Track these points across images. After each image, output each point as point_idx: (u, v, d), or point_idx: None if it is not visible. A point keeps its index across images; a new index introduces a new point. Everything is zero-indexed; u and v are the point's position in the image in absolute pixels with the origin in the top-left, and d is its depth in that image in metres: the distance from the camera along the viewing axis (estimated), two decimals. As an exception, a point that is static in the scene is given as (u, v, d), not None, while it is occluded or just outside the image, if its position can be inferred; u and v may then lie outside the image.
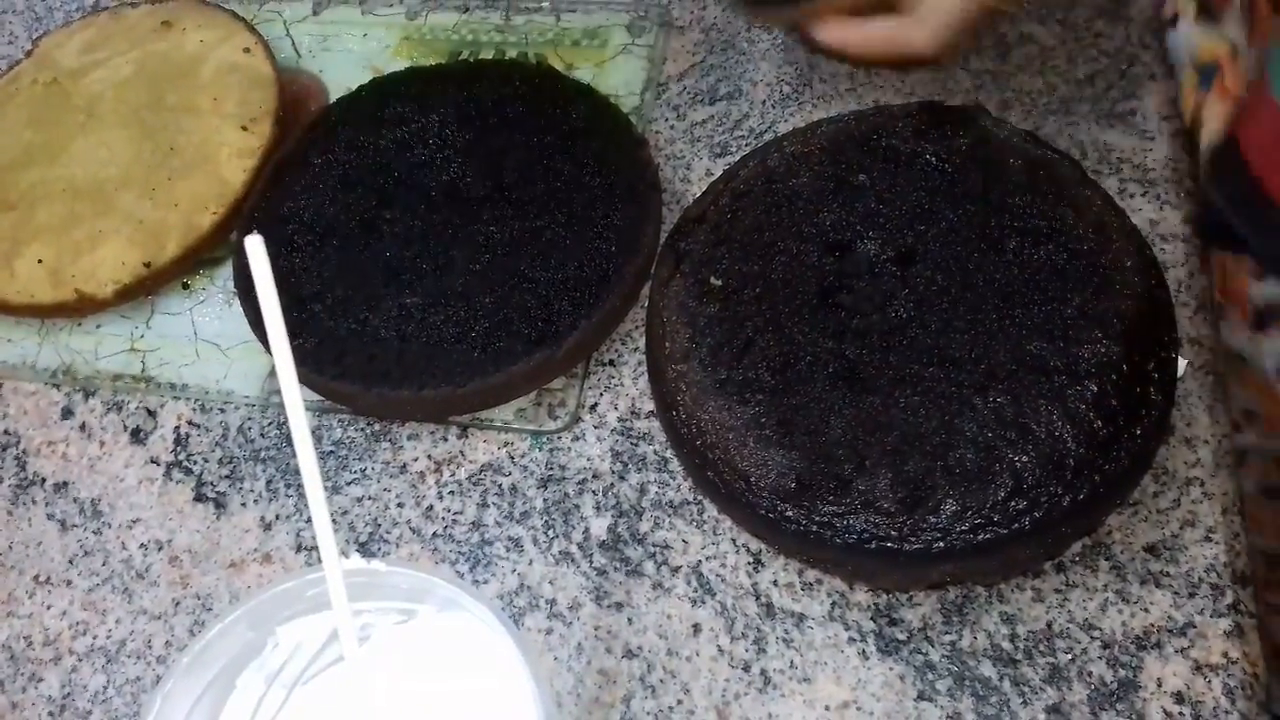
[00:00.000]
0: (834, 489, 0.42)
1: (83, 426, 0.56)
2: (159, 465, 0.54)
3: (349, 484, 0.51)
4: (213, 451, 0.54)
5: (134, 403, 0.56)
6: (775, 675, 0.44)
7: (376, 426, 0.53)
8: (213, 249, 0.59)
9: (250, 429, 0.54)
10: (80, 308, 0.57)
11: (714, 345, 0.46)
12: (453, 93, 0.58)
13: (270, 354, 0.32)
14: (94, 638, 0.49)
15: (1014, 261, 0.45)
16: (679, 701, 0.44)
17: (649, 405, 0.50)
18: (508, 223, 0.53)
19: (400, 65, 0.63)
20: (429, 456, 0.51)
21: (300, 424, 0.32)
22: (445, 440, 0.52)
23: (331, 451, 0.52)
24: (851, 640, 0.44)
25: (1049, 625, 0.43)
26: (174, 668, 0.34)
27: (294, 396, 0.32)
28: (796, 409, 0.43)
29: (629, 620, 0.46)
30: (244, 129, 0.60)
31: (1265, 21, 0.46)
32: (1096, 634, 0.43)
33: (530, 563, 0.48)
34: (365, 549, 0.49)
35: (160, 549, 0.51)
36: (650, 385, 0.48)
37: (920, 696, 0.43)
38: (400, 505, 0.50)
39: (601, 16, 0.64)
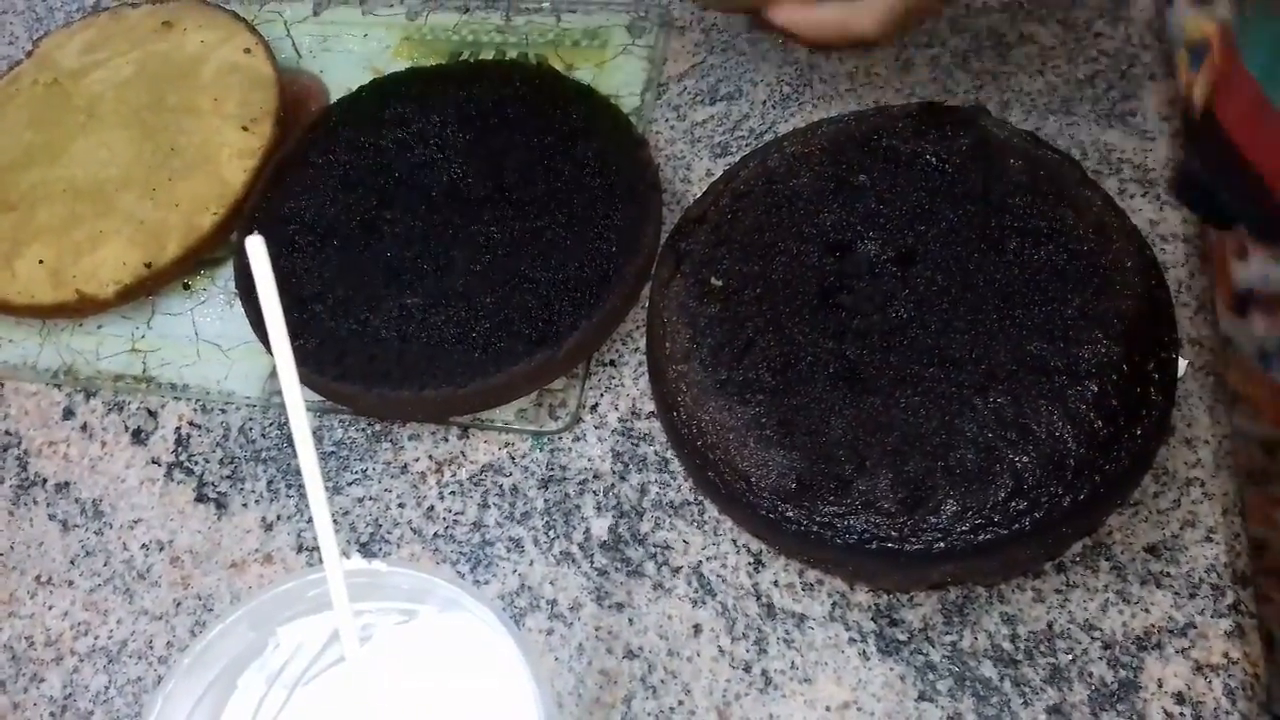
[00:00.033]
0: (834, 489, 0.42)
1: (84, 427, 0.56)
2: (160, 466, 0.54)
3: (350, 484, 0.51)
4: (214, 452, 0.54)
5: (135, 403, 0.56)
6: (776, 676, 0.44)
7: (377, 427, 0.53)
8: (213, 249, 0.59)
9: (251, 429, 0.54)
10: (81, 308, 0.57)
11: (714, 345, 0.46)
12: (453, 93, 0.58)
13: (271, 354, 0.32)
14: (95, 638, 0.50)
15: (1014, 262, 0.45)
16: (680, 702, 0.44)
17: (650, 406, 0.50)
18: (508, 223, 0.53)
19: (401, 66, 0.63)
20: (430, 457, 0.51)
21: (301, 424, 0.32)
22: (446, 441, 0.52)
23: (332, 452, 0.52)
24: (852, 641, 0.44)
25: (1049, 626, 0.43)
26: (175, 668, 0.34)
27: (295, 397, 0.32)
28: (797, 409, 0.43)
29: (630, 621, 0.46)
30: (245, 129, 0.60)
31: None
32: (1097, 634, 0.43)
33: (531, 563, 0.48)
34: (366, 549, 0.49)
35: (161, 549, 0.51)
36: (651, 385, 0.48)
37: (921, 697, 0.43)
38: (401, 506, 0.50)
39: (602, 17, 0.64)
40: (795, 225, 0.48)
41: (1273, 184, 0.46)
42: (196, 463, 0.53)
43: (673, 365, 0.46)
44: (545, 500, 0.49)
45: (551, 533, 0.48)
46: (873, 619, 0.44)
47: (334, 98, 0.63)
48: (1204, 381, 0.47)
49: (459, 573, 0.48)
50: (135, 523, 0.52)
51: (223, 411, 0.55)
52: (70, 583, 0.51)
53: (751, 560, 0.46)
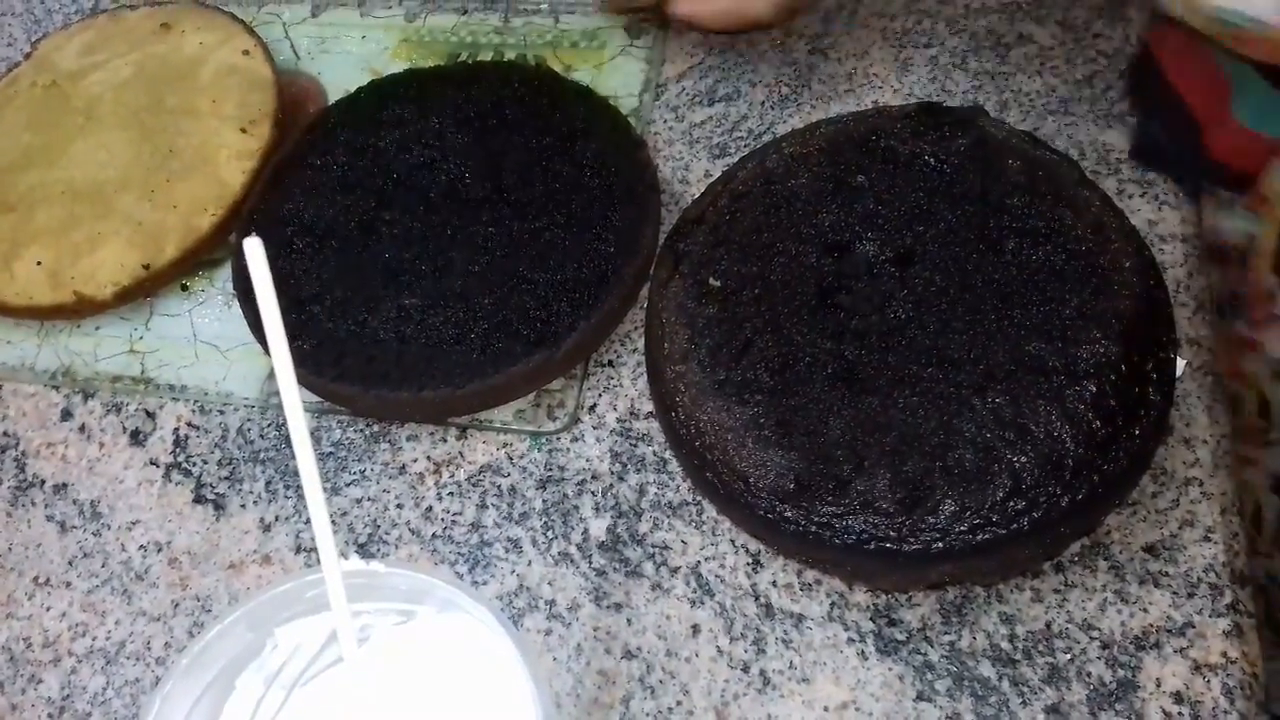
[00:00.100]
0: (833, 490, 0.42)
1: (82, 428, 0.56)
2: (158, 467, 0.54)
3: (348, 485, 0.51)
4: (212, 453, 0.54)
5: (133, 404, 0.56)
6: (774, 676, 0.44)
7: (375, 428, 0.53)
8: (212, 251, 0.59)
9: (249, 430, 0.54)
10: (79, 309, 0.57)
11: (713, 346, 0.46)
12: (451, 94, 0.58)
13: (269, 355, 0.32)
14: (93, 639, 0.50)
15: (1013, 262, 0.45)
16: (678, 702, 0.44)
17: (648, 406, 0.50)
18: (507, 224, 0.53)
19: (399, 67, 0.63)
20: (428, 458, 0.51)
21: (299, 425, 0.32)
22: (444, 441, 0.52)
23: (330, 453, 0.52)
24: (850, 641, 0.44)
25: (1048, 625, 0.43)
26: (173, 669, 0.34)
27: (293, 398, 0.32)
28: (795, 410, 0.43)
29: (628, 621, 0.46)
30: (243, 131, 0.60)
31: None
32: (1095, 634, 0.43)
33: (529, 564, 0.48)
34: (364, 550, 0.49)
35: (159, 550, 0.51)
36: (649, 386, 0.48)
37: (919, 697, 0.43)
38: (399, 506, 0.50)
39: (600, 18, 0.64)
40: (794, 226, 0.48)
41: (1202, 117, 0.49)
42: (195, 464, 0.53)
43: (671, 366, 0.46)
44: (543, 501, 0.49)
45: (550, 533, 0.48)
46: (871, 619, 0.44)
47: (332, 99, 0.63)
48: (1202, 381, 0.47)
49: (457, 573, 0.48)
50: (133, 524, 0.52)
51: (221, 412, 0.55)
52: (68, 584, 0.51)
53: (750, 560, 0.46)
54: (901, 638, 0.44)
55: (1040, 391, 0.42)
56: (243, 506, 0.52)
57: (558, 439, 0.51)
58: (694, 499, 0.48)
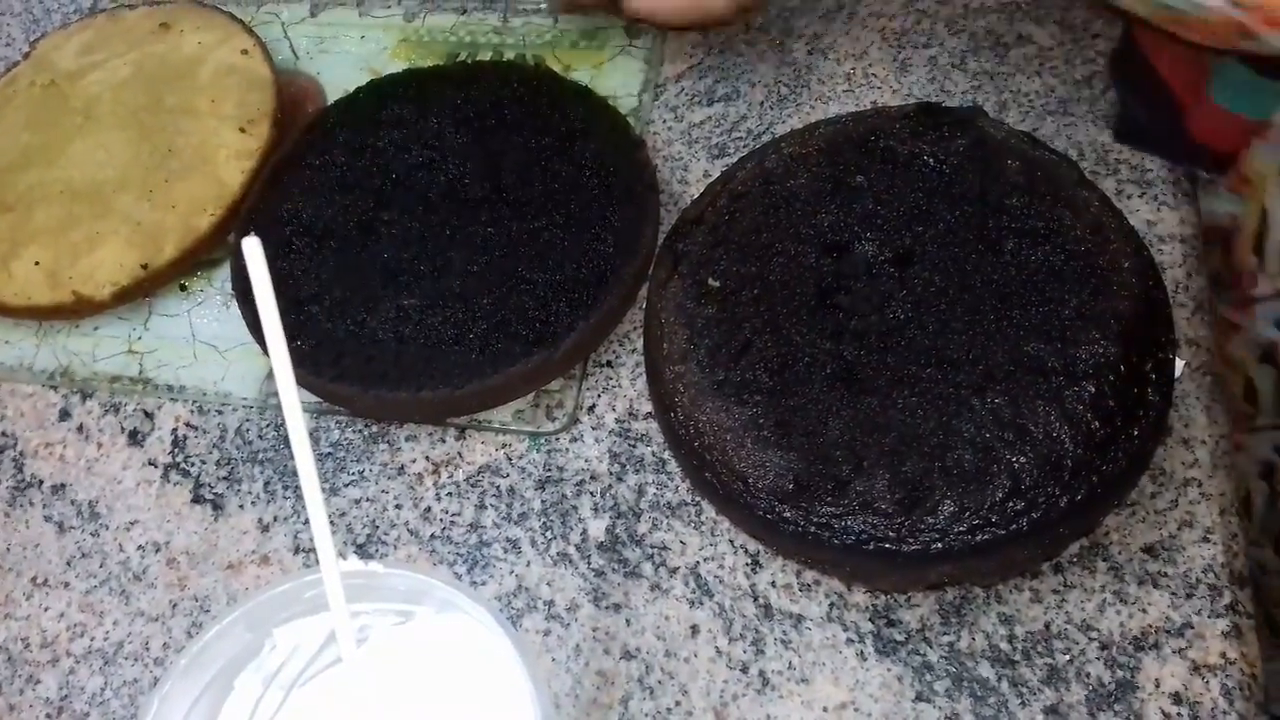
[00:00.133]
0: (832, 490, 0.42)
1: (80, 428, 0.56)
2: (157, 467, 0.54)
3: (347, 485, 0.51)
4: (210, 453, 0.54)
5: (131, 404, 0.56)
6: (773, 676, 0.44)
7: (374, 428, 0.53)
8: (210, 251, 0.59)
9: (248, 431, 0.54)
10: (78, 309, 0.57)
11: (712, 346, 0.46)
12: (450, 94, 0.58)
13: (268, 356, 0.32)
14: (91, 639, 0.49)
15: (1012, 262, 0.45)
16: (677, 703, 0.44)
17: (647, 406, 0.50)
18: (506, 224, 0.53)
19: (398, 67, 0.63)
20: (427, 458, 0.51)
21: (298, 426, 0.32)
22: (443, 442, 0.52)
23: (329, 453, 0.52)
24: (850, 641, 0.44)
25: (1047, 626, 0.43)
26: (171, 669, 0.34)
27: (292, 398, 0.32)
28: (794, 410, 0.43)
29: (627, 621, 0.46)
30: (242, 131, 0.60)
31: None
32: (1094, 635, 0.43)
33: (528, 564, 0.48)
34: (363, 550, 0.49)
35: (158, 551, 0.51)
36: (648, 386, 0.48)
37: (918, 697, 0.43)
38: (398, 507, 0.50)
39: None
40: (793, 226, 0.48)
41: (1182, 98, 0.49)
42: (193, 464, 0.53)
43: (670, 366, 0.46)
44: (542, 501, 0.49)
45: (549, 534, 0.48)
46: (870, 619, 0.44)
47: (331, 99, 0.63)
48: (1201, 382, 0.47)
49: (456, 574, 0.48)
50: (132, 524, 0.52)
51: (219, 413, 0.55)
52: (66, 584, 0.51)
53: (749, 561, 0.46)
54: (900, 638, 0.44)
55: (1039, 392, 0.42)
56: (241, 507, 0.52)
57: (556, 439, 0.51)
58: (693, 499, 0.48)
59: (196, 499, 0.52)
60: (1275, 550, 0.59)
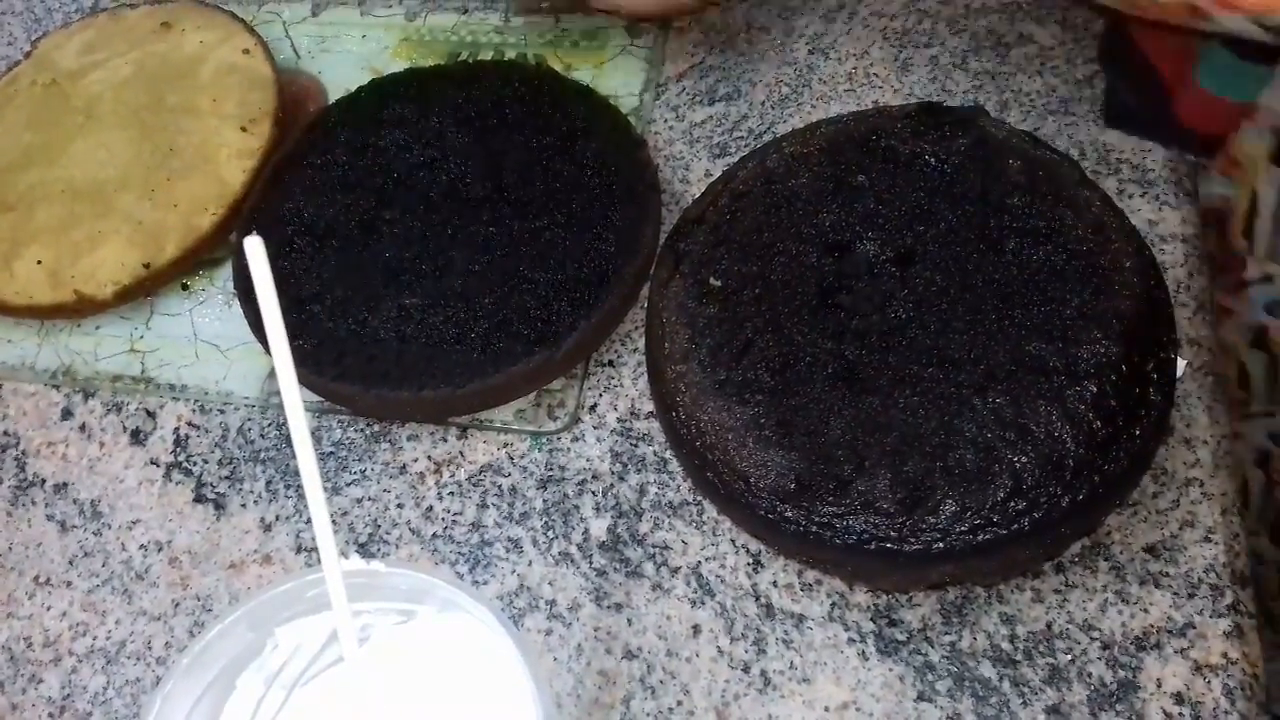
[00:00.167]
0: (833, 490, 0.42)
1: (82, 427, 0.56)
2: (159, 466, 0.54)
3: (348, 485, 0.51)
4: (212, 452, 0.54)
5: (134, 404, 0.56)
6: (775, 676, 0.44)
7: (376, 427, 0.53)
8: (212, 250, 0.59)
9: (250, 430, 0.54)
10: (79, 309, 0.57)
11: (713, 346, 0.46)
12: (452, 94, 0.58)
13: (270, 355, 0.32)
14: (94, 639, 0.49)
15: (1013, 262, 0.45)
16: (679, 703, 0.44)
17: (648, 406, 0.50)
18: (507, 223, 0.53)
19: (399, 66, 0.63)
20: (429, 457, 0.51)
21: (300, 425, 0.32)
22: (445, 441, 0.52)
23: (331, 452, 0.52)
24: (851, 641, 0.44)
25: (1048, 626, 0.43)
26: (173, 669, 0.34)
27: (293, 397, 0.32)
28: (796, 410, 0.43)
29: (629, 621, 0.46)
30: (243, 130, 0.60)
31: None
32: (1096, 635, 0.43)
33: (530, 564, 0.48)
34: (365, 550, 0.49)
35: (160, 550, 0.51)
36: (650, 386, 0.48)
37: (920, 697, 0.43)
38: (400, 506, 0.50)
39: (600, 17, 0.64)
40: (794, 226, 0.48)
41: (1169, 83, 0.50)
42: (195, 463, 0.53)
43: (671, 365, 0.46)
44: (544, 500, 0.49)
45: (550, 533, 0.48)
46: (872, 619, 0.44)
47: (332, 98, 0.63)
48: (1203, 382, 0.47)
49: (458, 573, 0.48)
50: (134, 523, 0.52)
51: (221, 412, 0.55)
52: (69, 583, 0.51)
53: (750, 560, 0.46)
54: (902, 638, 0.44)
55: (1041, 392, 0.42)
56: (243, 506, 0.52)
57: (558, 439, 0.51)
58: (694, 499, 0.48)
59: (198, 498, 0.52)
60: (1271, 539, 0.59)
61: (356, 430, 0.53)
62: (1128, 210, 0.47)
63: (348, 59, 0.66)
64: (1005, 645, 0.43)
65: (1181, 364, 0.45)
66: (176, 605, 0.50)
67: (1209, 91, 0.50)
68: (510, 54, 0.64)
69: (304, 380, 0.50)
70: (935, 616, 0.44)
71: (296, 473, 0.47)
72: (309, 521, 0.50)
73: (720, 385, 0.45)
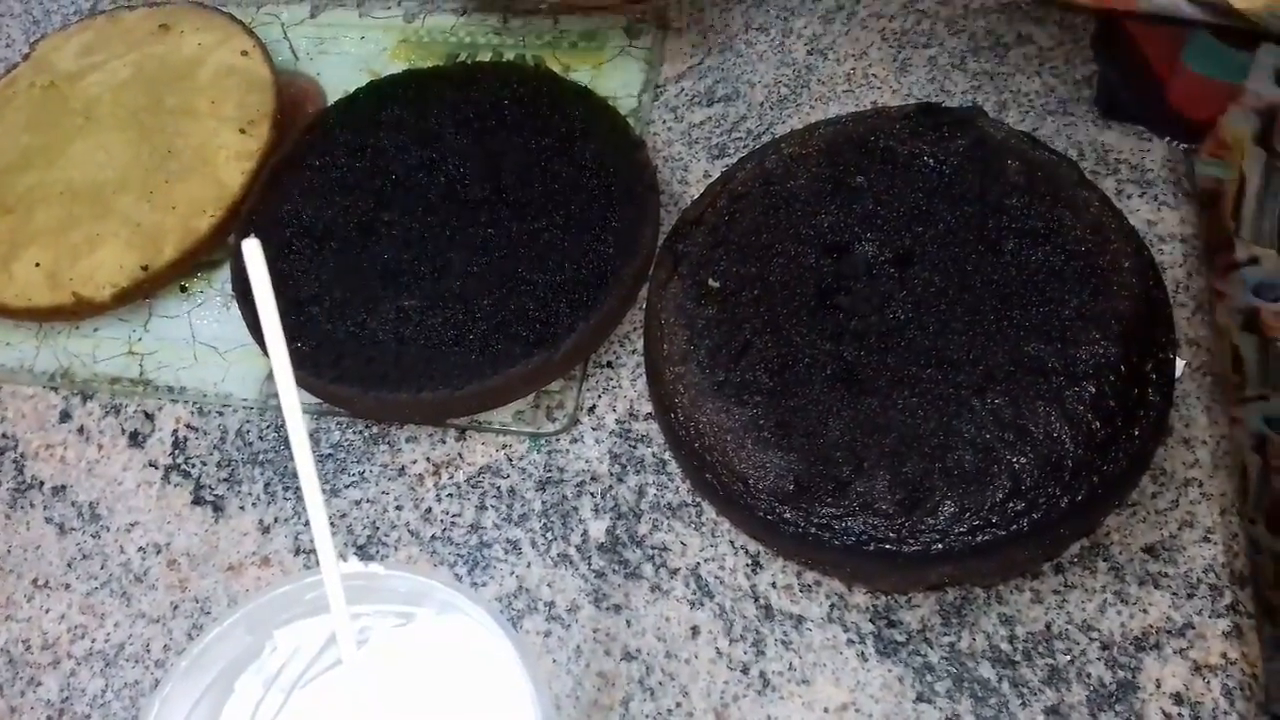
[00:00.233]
0: (832, 491, 0.42)
1: (81, 430, 0.56)
2: (157, 468, 0.54)
3: (347, 487, 0.51)
4: (211, 454, 0.54)
5: (132, 406, 0.56)
6: (774, 677, 0.44)
7: (374, 429, 0.53)
8: (210, 252, 0.59)
9: (248, 432, 0.54)
10: (78, 311, 0.57)
11: (712, 347, 0.46)
12: (450, 95, 0.58)
13: (268, 357, 0.32)
14: (92, 641, 0.49)
15: (1012, 263, 0.45)
16: (678, 704, 0.44)
17: (647, 407, 0.50)
18: (506, 225, 0.53)
19: (398, 68, 0.63)
20: (427, 459, 0.51)
21: (298, 427, 0.32)
22: (443, 443, 0.52)
23: (329, 454, 0.52)
24: (850, 642, 0.44)
25: (1048, 626, 0.43)
26: (172, 671, 0.34)
27: (292, 400, 0.32)
28: (794, 411, 0.43)
29: (627, 623, 0.46)
30: (242, 132, 0.60)
31: None
32: (1095, 635, 0.43)
33: (528, 565, 0.48)
34: (363, 552, 0.49)
35: (159, 552, 0.51)
36: (648, 387, 0.48)
37: (919, 698, 0.42)
38: (398, 508, 0.50)
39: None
40: (793, 226, 0.48)
41: (1160, 70, 0.50)
42: (194, 465, 0.53)
43: (670, 367, 0.46)
44: (543, 502, 0.49)
45: (549, 535, 0.48)
46: (871, 620, 0.44)
47: (331, 100, 0.63)
48: (1201, 382, 0.47)
49: (456, 575, 0.48)
50: (132, 525, 0.52)
51: (220, 414, 0.55)
52: (67, 586, 0.51)
53: (749, 562, 0.46)
54: (901, 639, 0.44)
55: (1040, 392, 0.42)
56: (241, 508, 0.52)
57: (557, 440, 0.51)
58: (693, 500, 0.48)
59: (197, 500, 0.52)
60: (1268, 527, 0.59)
61: (355, 432, 0.53)
62: (1126, 210, 0.47)
63: (346, 60, 0.66)
64: (1004, 646, 0.43)
65: (1180, 364, 0.45)
66: (175, 608, 0.50)
67: (1200, 74, 0.51)
68: (508, 55, 0.64)
69: (302, 382, 0.50)
70: (934, 617, 0.44)
71: (295, 475, 0.47)
72: (307, 523, 0.50)
73: (719, 386, 0.45)
